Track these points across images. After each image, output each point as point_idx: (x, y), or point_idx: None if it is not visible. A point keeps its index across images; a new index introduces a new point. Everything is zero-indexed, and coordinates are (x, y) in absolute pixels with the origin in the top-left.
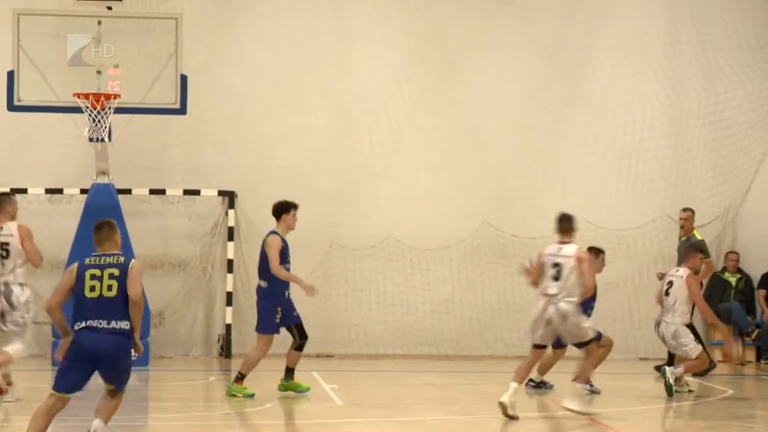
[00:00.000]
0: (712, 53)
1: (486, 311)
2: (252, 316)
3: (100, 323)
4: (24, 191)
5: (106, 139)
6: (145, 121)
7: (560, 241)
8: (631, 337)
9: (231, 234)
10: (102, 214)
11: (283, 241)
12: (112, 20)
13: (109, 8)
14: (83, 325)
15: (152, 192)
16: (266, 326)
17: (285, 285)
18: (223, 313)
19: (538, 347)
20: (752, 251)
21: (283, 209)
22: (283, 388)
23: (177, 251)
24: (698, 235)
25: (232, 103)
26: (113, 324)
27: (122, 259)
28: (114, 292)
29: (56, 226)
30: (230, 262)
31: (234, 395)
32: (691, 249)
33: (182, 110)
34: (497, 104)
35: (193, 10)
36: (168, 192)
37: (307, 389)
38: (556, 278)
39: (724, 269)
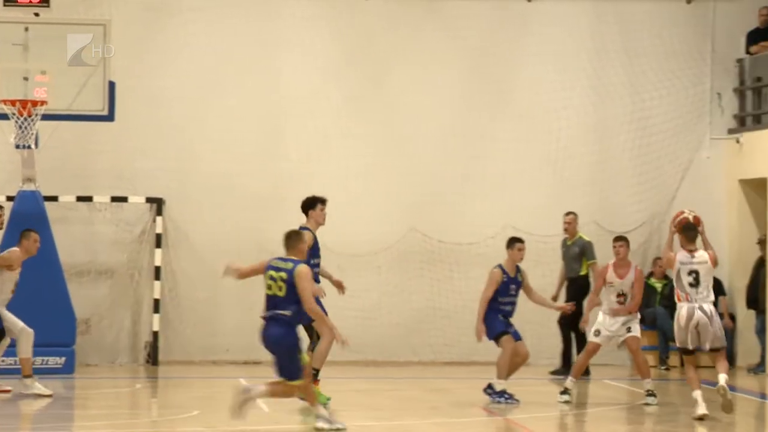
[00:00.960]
0: (637, 61)
1: (413, 317)
2: (180, 324)
3: None
4: None
5: (33, 146)
6: (73, 127)
7: (689, 249)
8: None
9: (159, 241)
10: (28, 222)
11: (314, 235)
12: (39, 26)
13: (36, 14)
14: None
15: (79, 199)
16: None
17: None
18: (150, 320)
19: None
20: None
21: (309, 205)
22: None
23: (104, 258)
24: (585, 237)
25: (160, 109)
26: None
27: None
28: None
29: None
30: (158, 269)
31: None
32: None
33: (110, 117)
34: (425, 111)
35: (121, 17)
36: (95, 199)
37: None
38: (694, 284)
39: (651, 275)
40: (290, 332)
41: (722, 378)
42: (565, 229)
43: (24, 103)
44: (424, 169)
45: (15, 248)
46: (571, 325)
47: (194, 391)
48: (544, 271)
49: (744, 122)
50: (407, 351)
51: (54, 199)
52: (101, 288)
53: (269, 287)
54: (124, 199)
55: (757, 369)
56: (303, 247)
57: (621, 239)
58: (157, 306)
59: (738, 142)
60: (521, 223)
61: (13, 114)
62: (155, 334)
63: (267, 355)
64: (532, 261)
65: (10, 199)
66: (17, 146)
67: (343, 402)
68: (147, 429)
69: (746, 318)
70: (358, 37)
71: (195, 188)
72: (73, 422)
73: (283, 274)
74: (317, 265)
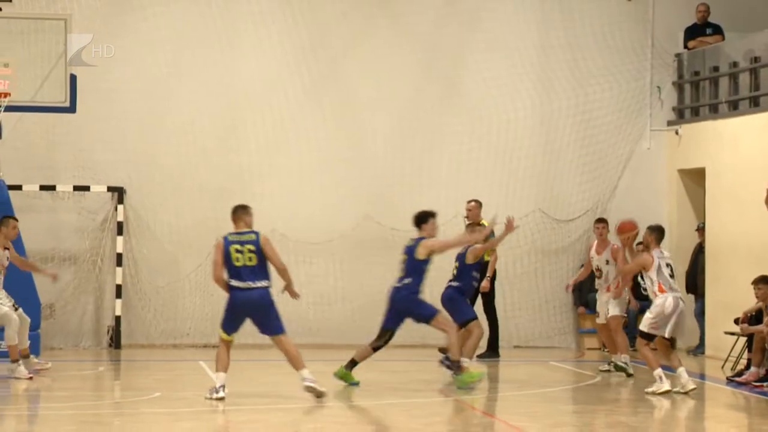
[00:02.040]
0: (581, 55)
1: (368, 302)
2: (141, 309)
3: None
4: None
5: None
6: (36, 119)
7: (659, 247)
8: (504, 327)
9: (120, 229)
10: None
11: None
12: (2, 21)
13: None
14: None
15: (42, 188)
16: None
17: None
18: (113, 305)
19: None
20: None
21: (422, 219)
22: (340, 375)
23: (67, 245)
24: (486, 223)
25: (121, 101)
26: None
27: None
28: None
29: None
30: (119, 256)
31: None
32: None
33: (72, 109)
34: (379, 103)
35: (81, 11)
36: (58, 188)
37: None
38: (672, 275)
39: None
40: (268, 293)
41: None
42: (466, 216)
43: None
44: (379, 160)
45: None
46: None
47: (156, 374)
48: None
49: (683, 114)
50: (362, 334)
51: (18, 188)
52: (65, 274)
53: (237, 259)
54: (86, 188)
55: (696, 350)
56: (249, 220)
57: (602, 221)
58: (119, 291)
59: (677, 133)
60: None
61: None
62: (118, 319)
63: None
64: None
65: None
66: None
67: (298, 384)
68: (110, 410)
69: (687, 303)
70: (313, 32)
71: (155, 178)
72: (39, 403)
73: (251, 246)
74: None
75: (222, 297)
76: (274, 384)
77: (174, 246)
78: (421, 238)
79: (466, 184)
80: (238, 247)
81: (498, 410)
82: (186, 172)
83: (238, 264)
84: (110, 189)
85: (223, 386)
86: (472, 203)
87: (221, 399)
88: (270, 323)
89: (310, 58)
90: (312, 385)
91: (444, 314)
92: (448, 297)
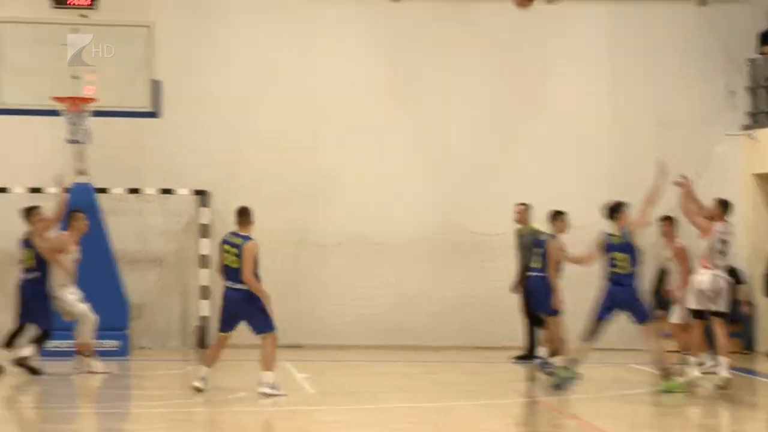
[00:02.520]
0: (654, 60)
1: (448, 304)
2: None
3: None
4: (5, 191)
5: (84, 141)
6: (122, 123)
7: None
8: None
9: (205, 231)
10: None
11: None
12: (88, 28)
13: (84, 16)
14: None
15: (129, 191)
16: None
17: None
18: (198, 306)
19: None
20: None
21: (615, 209)
22: (669, 388)
23: (153, 247)
24: (536, 226)
25: (206, 106)
26: None
27: None
28: None
29: None
30: (204, 258)
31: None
32: None
33: (157, 113)
34: (458, 108)
35: (166, 18)
36: (144, 191)
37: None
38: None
39: None
40: (250, 295)
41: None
42: (517, 220)
43: (74, 100)
44: (460, 164)
45: (63, 232)
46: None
47: (240, 374)
48: None
49: (757, 119)
50: (443, 336)
51: (106, 191)
52: (151, 275)
53: (225, 258)
54: (171, 192)
55: None
56: (248, 223)
57: (667, 218)
58: (204, 292)
59: (751, 138)
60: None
61: (65, 111)
62: (203, 319)
63: (310, 340)
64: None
65: (65, 190)
66: (69, 141)
67: (382, 384)
68: (199, 408)
69: (763, 305)
70: (396, 35)
71: (239, 181)
72: (130, 402)
73: (235, 250)
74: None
75: (310, 300)
76: (356, 384)
77: (260, 248)
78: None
79: (544, 189)
80: (227, 247)
81: (580, 412)
82: (269, 176)
83: (225, 263)
84: (195, 192)
85: (204, 378)
86: (521, 206)
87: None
88: (255, 322)
89: (393, 62)
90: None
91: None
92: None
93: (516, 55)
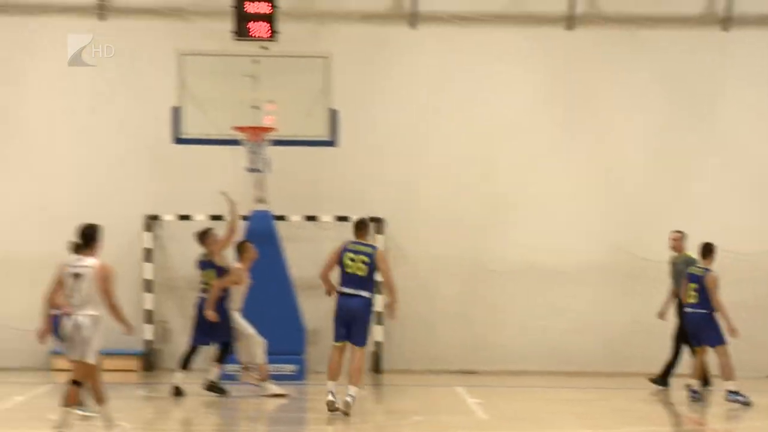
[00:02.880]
0: None
1: (621, 331)
2: (401, 335)
3: None
4: (188, 218)
5: (263, 170)
6: (299, 152)
7: None
8: (755, 354)
9: None
10: (260, 239)
11: None
12: (267, 59)
13: (265, 48)
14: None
15: (306, 218)
16: None
17: None
18: (374, 332)
19: None
20: None
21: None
22: None
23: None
24: (691, 255)
25: (380, 134)
26: None
27: None
28: None
29: None
30: (379, 284)
31: None
32: None
33: (334, 142)
34: (629, 135)
35: (343, 49)
36: (321, 218)
37: None
38: None
39: None
40: (370, 305)
41: None
42: (672, 247)
43: (254, 129)
44: (630, 191)
45: (238, 265)
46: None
47: (415, 399)
48: (756, 288)
49: None
50: (614, 362)
51: (284, 218)
52: (327, 301)
53: (348, 266)
54: (347, 219)
55: None
56: (368, 234)
57: None
58: (379, 318)
59: None
60: (725, 242)
61: (245, 140)
62: (378, 345)
63: (482, 365)
64: (738, 279)
65: (244, 218)
66: (249, 170)
67: (555, 410)
68: None
69: None
70: (564, 65)
71: (414, 209)
72: (306, 425)
73: (365, 258)
74: None
75: (482, 325)
76: (529, 410)
77: (432, 274)
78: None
79: (718, 215)
80: (352, 255)
81: None
82: (443, 203)
83: (348, 271)
84: (370, 219)
85: (332, 392)
86: (677, 234)
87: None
88: (359, 333)
89: (564, 90)
90: (350, 401)
91: None
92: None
93: (689, 80)
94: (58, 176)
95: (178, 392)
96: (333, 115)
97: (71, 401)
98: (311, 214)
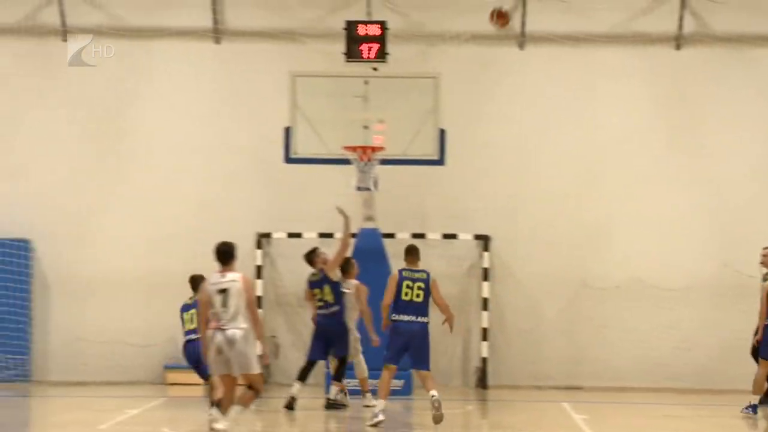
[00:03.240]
0: None
1: (727, 347)
2: (506, 351)
3: None
4: (299, 236)
5: (372, 188)
6: (407, 171)
7: None
8: None
9: (486, 275)
10: (369, 257)
11: None
12: (377, 80)
13: (375, 69)
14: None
15: (414, 236)
16: None
17: None
18: (479, 347)
19: None
20: None
21: None
22: None
23: None
24: None
25: (486, 153)
26: None
27: None
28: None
29: None
30: (485, 301)
31: None
32: None
33: (441, 161)
34: (736, 154)
35: (451, 70)
36: (428, 236)
37: None
38: None
39: None
40: (428, 330)
41: None
42: (762, 263)
43: (364, 149)
44: (736, 208)
45: (358, 283)
46: None
47: (521, 414)
48: None
49: None
50: (722, 379)
51: (392, 236)
52: (436, 317)
53: (406, 294)
54: (454, 237)
55: None
56: (418, 259)
57: None
58: (485, 334)
59: None
60: None
61: (355, 160)
62: (484, 360)
63: (587, 381)
64: None
65: (353, 236)
66: (358, 188)
67: (660, 426)
68: None
69: None
70: (672, 84)
71: (520, 227)
72: None
73: (422, 284)
74: None
75: (587, 342)
76: (635, 426)
77: (537, 291)
78: None
79: None
80: (409, 283)
81: None
82: (548, 222)
83: (405, 298)
84: (477, 237)
85: (382, 411)
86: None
87: (376, 425)
88: (424, 358)
89: (672, 109)
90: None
91: None
92: None
93: None
94: (174, 195)
95: (291, 403)
96: (441, 135)
97: (246, 401)
98: (419, 231)
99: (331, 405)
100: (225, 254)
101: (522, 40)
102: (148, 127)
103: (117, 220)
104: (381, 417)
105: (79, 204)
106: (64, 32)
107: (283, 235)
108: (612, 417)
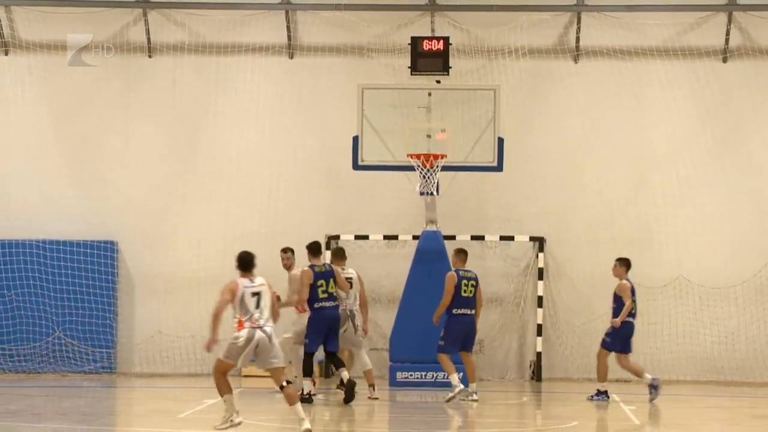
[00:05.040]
0: None
1: (766, 343)
2: (560, 346)
3: None
4: (365, 237)
5: (435, 193)
6: (467, 177)
7: None
8: None
9: (540, 274)
10: (431, 258)
11: None
12: (440, 92)
13: (438, 81)
14: None
15: (473, 238)
16: None
17: None
18: (534, 342)
19: None
20: None
21: None
22: None
23: (494, 288)
24: None
25: (543, 161)
26: None
27: None
28: None
29: (392, 267)
30: (540, 299)
31: None
32: None
33: (499, 168)
34: None
35: (509, 82)
36: (486, 238)
37: None
38: None
39: None
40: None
41: None
42: None
43: (427, 156)
44: None
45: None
46: None
47: (573, 405)
48: None
49: None
50: (764, 373)
51: (452, 238)
52: (492, 314)
53: (465, 291)
54: (510, 238)
55: None
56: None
57: None
58: (539, 330)
59: None
60: None
61: (418, 166)
62: (539, 355)
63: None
64: None
65: (415, 238)
66: (421, 193)
67: (704, 417)
68: None
69: None
70: (719, 94)
71: (572, 229)
72: (473, 429)
73: (473, 282)
74: None
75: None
76: (680, 416)
77: (588, 290)
78: None
79: None
80: (466, 282)
81: None
82: (599, 224)
83: (464, 294)
84: (532, 239)
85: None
86: None
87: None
88: (473, 341)
89: (717, 118)
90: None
91: None
92: None
93: None
94: (248, 200)
95: (349, 389)
96: (499, 143)
97: (294, 400)
98: (477, 233)
99: (305, 399)
100: (250, 262)
101: (576, 54)
102: (226, 136)
103: (196, 224)
104: (461, 385)
105: (161, 208)
106: (149, 49)
107: (350, 237)
108: (660, 408)
